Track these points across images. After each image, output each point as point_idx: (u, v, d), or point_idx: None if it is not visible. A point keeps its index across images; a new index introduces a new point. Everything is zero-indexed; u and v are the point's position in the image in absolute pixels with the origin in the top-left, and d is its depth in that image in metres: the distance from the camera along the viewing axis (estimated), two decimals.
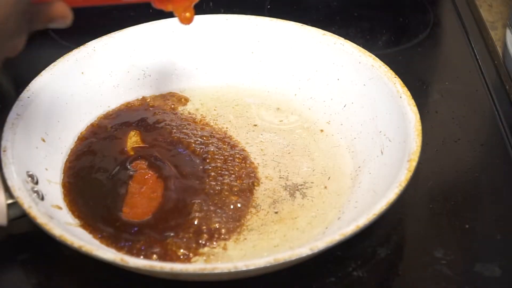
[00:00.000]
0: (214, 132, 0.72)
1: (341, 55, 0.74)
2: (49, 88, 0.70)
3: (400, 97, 0.67)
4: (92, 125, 0.72)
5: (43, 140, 0.67)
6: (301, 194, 0.66)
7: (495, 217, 0.65)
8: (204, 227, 0.62)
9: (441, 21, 0.94)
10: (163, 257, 0.59)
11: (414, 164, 0.60)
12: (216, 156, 0.69)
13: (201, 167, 0.68)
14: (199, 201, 0.64)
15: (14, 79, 0.84)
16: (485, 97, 0.79)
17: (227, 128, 0.73)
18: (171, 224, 0.62)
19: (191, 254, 0.60)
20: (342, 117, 0.73)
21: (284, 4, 0.93)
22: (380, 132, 0.68)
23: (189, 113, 0.75)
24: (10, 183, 0.59)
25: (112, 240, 0.60)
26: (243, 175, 0.67)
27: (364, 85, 0.72)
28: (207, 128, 0.73)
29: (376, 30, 0.91)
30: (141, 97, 0.77)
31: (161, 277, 0.57)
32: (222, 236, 0.62)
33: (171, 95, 0.77)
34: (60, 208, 0.62)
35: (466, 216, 0.65)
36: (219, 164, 0.68)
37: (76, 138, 0.71)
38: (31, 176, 0.62)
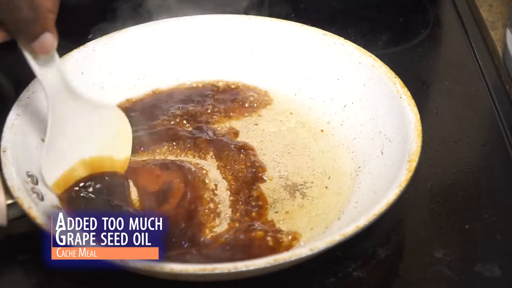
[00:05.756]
0: (214, 131, 0.72)
1: (341, 55, 0.74)
2: None
3: (400, 97, 0.67)
4: None
5: (43, 141, 0.67)
6: (301, 194, 0.66)
7: (495, 217, 0.65)
8: (213, 234, 0.61)
9: (441, 21, 0.94)
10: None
11: (414, 164, 0.60)
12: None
13: (203, 169, 0.68)
14: (203, 206, 0.64)
15: (14, 79, 0.84)
16: (485, 97, 0.79)
17: (227, 127, 0.73)
18: (187, 233, 0.61)
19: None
20: (342, 117, 0.73)
21: (284, 4, 0.93)
22: (380, 132, 0.68)
23: (189, 113, 0.75)
24: (10, 183, 0.59)
25: None
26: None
27: (364, 85, 0.72)
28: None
29: (376, 30, 0.91)
30: (141, 97, 0.77)
31: (161, 278, 0.57)
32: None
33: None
34: (60, 208, 0.62)
35: (466, 216, 0.65)
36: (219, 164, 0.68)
37: None
38: (31, 177, 0.62)
